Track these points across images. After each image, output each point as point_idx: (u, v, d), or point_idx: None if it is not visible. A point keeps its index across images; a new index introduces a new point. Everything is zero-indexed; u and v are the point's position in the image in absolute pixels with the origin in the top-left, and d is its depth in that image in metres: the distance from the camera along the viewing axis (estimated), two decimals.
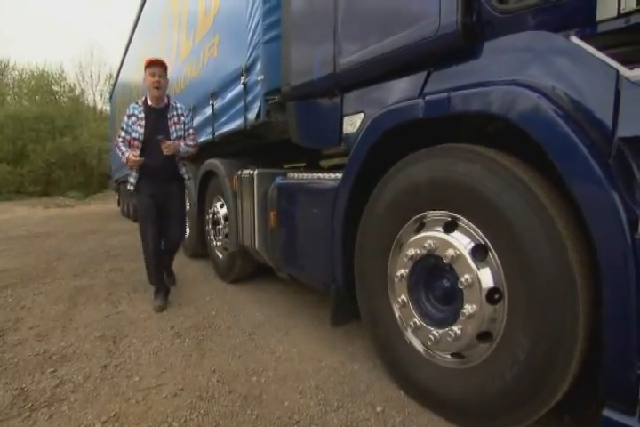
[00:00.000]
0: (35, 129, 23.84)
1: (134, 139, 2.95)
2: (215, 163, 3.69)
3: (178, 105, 3.14)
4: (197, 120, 4.11)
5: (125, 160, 2.93)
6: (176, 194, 3.16)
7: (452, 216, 1.49)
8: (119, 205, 13.54)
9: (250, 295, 3.32)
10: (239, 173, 3.16)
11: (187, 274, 4.09)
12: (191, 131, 3.18)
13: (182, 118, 3.09)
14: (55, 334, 2.57)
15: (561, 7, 1.30)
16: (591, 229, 1.11)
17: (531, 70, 1.30)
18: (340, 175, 1.99)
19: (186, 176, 3.20)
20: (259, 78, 2.79)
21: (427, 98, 1.53)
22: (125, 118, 3.00)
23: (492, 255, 1.36)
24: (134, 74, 8.83)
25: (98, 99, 30.77)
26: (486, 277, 1.37)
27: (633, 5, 1.13)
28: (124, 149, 2.96)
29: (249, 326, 2.62)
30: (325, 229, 2.06)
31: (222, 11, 3.59)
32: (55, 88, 28.76)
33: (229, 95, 3.41)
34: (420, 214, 1.60)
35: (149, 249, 3.04)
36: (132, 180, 3.05)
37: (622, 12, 1.16)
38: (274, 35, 2.74)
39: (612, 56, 1.17)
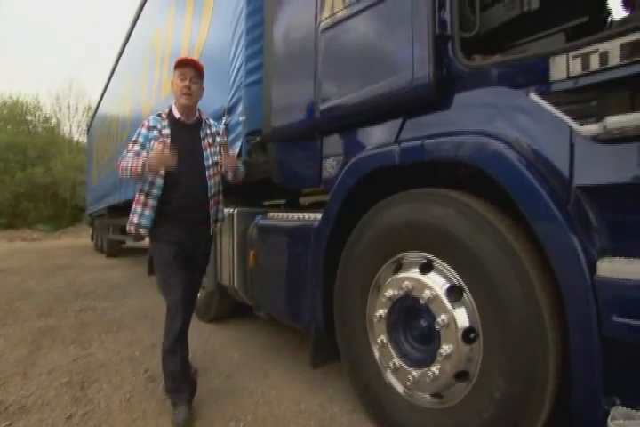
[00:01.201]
0: (3, 159, 23.46)
1: None
2: None
3: (211, 121, 2.38)
4: None
5: (139, 166, 1.97)
6: (207, 244, 2.36)
7: (428, 258, 1.57)
8: (93, 239, 13.25)
9: (228, 335, 3.27)
10: None
11: (162, 313, 4.00)
12: (230, 153, 2.37)
13: (218, 139, 2.32)
14: (14, 381, 2.44)
15: (521, 66, 1.46)
16: (555, 271, 1.21)
17: (496, 122, 1.44)
18: (319, 215, 2.07)
19: (220, 216, 2.38)
20: (240, 119, 2.92)
21: (402, 145, 1.66)
22: (143, 130, 2.16)
23: (467, 295, 1.43)
24: (114, 108, 8.98)
25: (75, 130, 30.72)
26: (462, 317, 1.44)
27: (578, 70, 1.30)
28: (131, 154, 2.08)
29: (227, 368, 2.58)
30: (305, 268, 2.11)
31: (205, 52, 3.75)
32: (29, 118, 28.68)
33: None
34: (398, 256, 1.68)
35: (177, 325, 2.02)
36: (137, 219, 2.11)
37: (571, 75, 1.32)
38: (256, 78, 2.91)
39: (566, 112, 1.32)
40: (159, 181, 2.09)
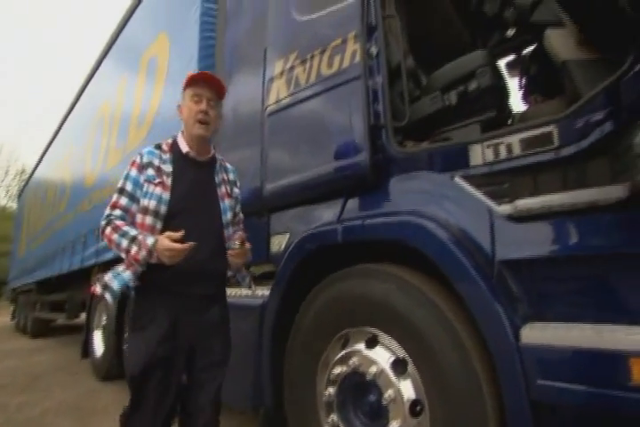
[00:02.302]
0: None
1: (148, 211, 1.56)
2: None
3: (228, 165, 1.89)
4: None
5: (142, 256, 1.48)
6: (220, 327, 1.71)
7: (372, 333, 1.67)
8: (14, 317, 12.12)
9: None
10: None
11: (97, 401, 3.68)
12: (241, 215, 1.92)
13: (235, 190, 1.86)
14: None
15: (446, 153, 1.72)
16: (485, 339, 1.34)
17: (427, 203, 1.65)
18: (267, 292, 2.14)
19: (247, 284, 1.85)
20: None
21: (344, 224, 1.84)
22: (133, 171, 1.62)
23: (412, 368, 1.52)
24: (53, 174, 8.81)
25: (3, 195, 29.43)
26: (408, 390, 1.51)
27: (491, 158, 1.57)
28: (126, 229, 1.53)
29: None
30: (253, 347, 2.12)
31: (155, 127, 3.80)
32: None
33: None
34: (344, 331, 1.77)
35: None
36: (108, 277, 1.56)
37: (486, 161, 1.59)
38: None
39: (486, 193, 1.55)
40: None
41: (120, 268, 1.58)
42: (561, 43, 1.67)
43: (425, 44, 2.78)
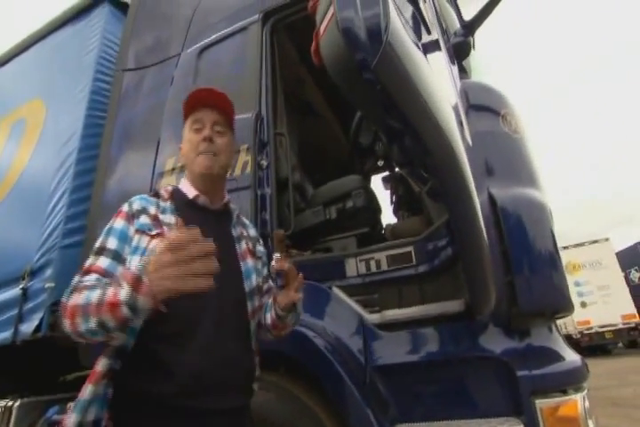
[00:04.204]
0: None
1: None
2: None
3: (245, 220, 1.53)
4: None
5: (124, 298, 0.88)
6: None
7: None
8: None
9: None
10: None
11: None
12: (271, 283, 1.52)
13: (259, 248, 1.48)
14: None
15: (325, 264, 2.03)
16: None
17: (307, 312, 1.86)
18: None
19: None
20: (47, 286, 2.71)
21: None
22: (118, 223, 1.20)
23: None
24: None
25: None
26: None
27: (364, 270, 1.91)
28: (97, 282, 1.02)
29: None
30: None
31: (11, 198, 3.52)
32: None
33: None
34: None
35: None
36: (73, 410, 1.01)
37: (359, 273, 1.92)
38: (77, 240, 2.84)
39: (359, 302, 1.85)
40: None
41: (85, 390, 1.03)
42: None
43: (314, 159, 3.29)
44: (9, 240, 3.41)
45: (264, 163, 2.31)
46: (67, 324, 0.98)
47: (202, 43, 2.80)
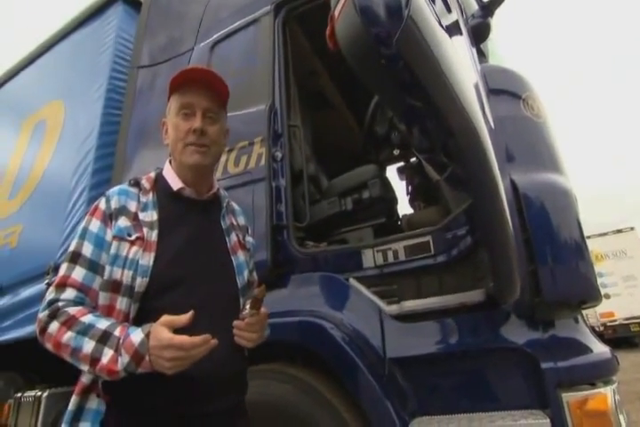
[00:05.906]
0: None
1: (121, 288, 1.05)
2: None
3: (235, 206, 1.46)
4: None
5: (109, 361, 0.93)
6: None
7: None
8: None
9: None
10: (19, 395, 2.74)
11: None
12: (255, 276, 1.44)
13: (249, 239, 1.42)
14: None
15: (342, 255, 1.97)
16: None
17: (325, 303, 1.84)
18: None
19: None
20: None
21: None
22: (94, 224, 1.12)
23: None
24: None
25: None
26: None
27: (381, 261, 1.85)
28: (89, 320, 0.98)
29: None
30: None
31: (35, 197, 3.61)
32: None
33: (25, 293, 3.21)
34: None
35: None
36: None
37: (377, 264, 1.86)
38: None
39: (376, 294, 1.79)
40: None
41: (75, 400, 1.04)
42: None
43: (328, 151, 3.23)
44: (34, 237, 3.54)
45: (278, 155, 2.27)
46: (48, 348, 1.01)
47: (214, 37, 2.76)
